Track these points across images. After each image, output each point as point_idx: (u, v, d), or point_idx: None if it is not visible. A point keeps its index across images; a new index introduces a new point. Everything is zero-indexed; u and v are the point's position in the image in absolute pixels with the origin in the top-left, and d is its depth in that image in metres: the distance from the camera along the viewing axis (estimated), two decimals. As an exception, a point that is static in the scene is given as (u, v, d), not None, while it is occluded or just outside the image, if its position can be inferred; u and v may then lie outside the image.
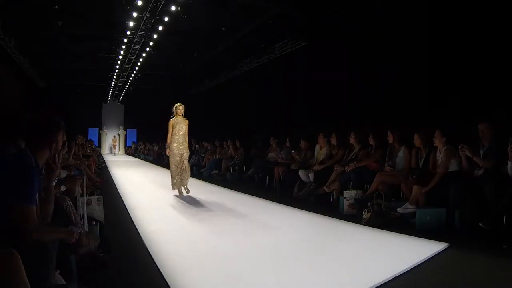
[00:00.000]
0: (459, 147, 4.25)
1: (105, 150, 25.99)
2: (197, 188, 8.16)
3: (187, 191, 6.53)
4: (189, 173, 6.76)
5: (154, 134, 21.90)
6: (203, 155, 11.93)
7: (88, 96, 22.65)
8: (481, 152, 4.22)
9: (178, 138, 6.61)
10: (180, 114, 6.70)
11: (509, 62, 5.02)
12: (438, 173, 4.49)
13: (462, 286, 2.65)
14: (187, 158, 6.81)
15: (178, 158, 6.59)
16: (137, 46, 12.54)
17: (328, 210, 5.24)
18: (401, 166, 5.16)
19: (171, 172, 6.68)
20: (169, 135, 6.67)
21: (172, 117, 6.75)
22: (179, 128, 6.66)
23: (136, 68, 15.75)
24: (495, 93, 5.29)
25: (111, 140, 27.43)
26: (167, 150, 6.72)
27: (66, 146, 5.70)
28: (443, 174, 4.47)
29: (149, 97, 23.09)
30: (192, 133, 17.92)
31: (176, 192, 6.63)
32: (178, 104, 6.78)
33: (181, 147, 6.62)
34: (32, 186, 1.85)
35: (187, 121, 6.84)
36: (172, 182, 6.64)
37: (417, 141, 4.96)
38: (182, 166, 6.59)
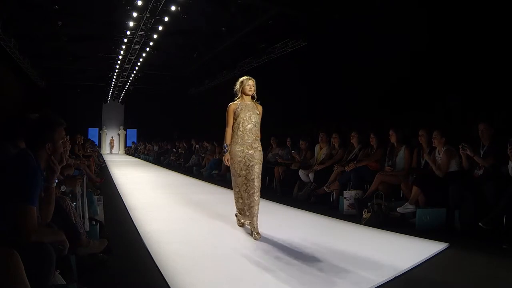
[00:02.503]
0: (460, 146, 4.24)
1: (105, 150, 26.00)
2: (197, 188, 8.18)
3: (256, 235, 3.70)
4: (258, 199, 3.83)
5: (154, 134, 21.95)
6: (203, 155, 11.93)
7: (88, 96, 22.68)
8: (481, 152, 4.22)
9: (243, 135, 3.93)
10: (249, 94, 4.00)
11: (509, 63, 5.02)
12: (440, 172, 4.49)
13: (462, 286, 2.65)
14: (259, 172, 3.90)
15: (243, 170, 3.90)
16: (137, 46, 12.54)
17: (328, 210, 5.24)
18: (401, 166, 5.16)
19: (234, 193, 4.12)
20: (227, 131, 3.99)
21: (235, 100, 4.05)
22: (245, 118, 3.94)
23: (136, 68, 15.76)
24: (495, 94, 5.30)
25: (116, 139, 27.57)
26: (226, 157, 3.99)
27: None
28: (443, 174, 4.47)
29: (149, 97, 23.10)
30: (192, 133, 17.79)
31: (239, 224, 4.17)
32: (246, 77, 4.05)
33: (248, 151, 3.91)
34: (35, 186, 1.86)
35: (260, 108, 4.07)
36: (237, 209, 4.15)
37: (422, 136, 4.88)
38: (249, 184, 3.86)
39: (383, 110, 7.31)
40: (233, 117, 3.99)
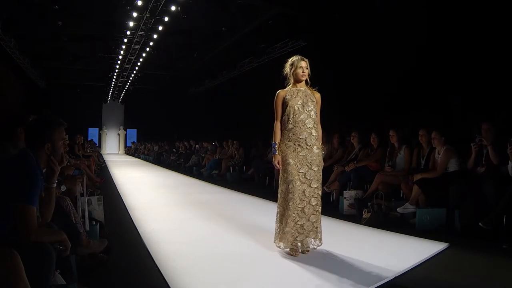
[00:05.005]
0: (472, 143, 4.22)
1: (105, 150, 26.01)
2: (197, 188, 8.18)
3: (305, 249, 3.20)
4: (318, 218, 3.22)
5: (154, 134, 21.95)
6: (203, 155, 11.94)
7: (88, 96, 22.65)
8: (484, 152, 4.22)
9: (294, 129, 3.18)
10: (302, 80, 3.27)
11: (509, 62, 5.02)
12: (436, 171, 4.51)
13: (462, 286, 2.65)
14: (319, 180, 3.22)
15: (296, 179, 3.12)
16: (137, 46, 12.53)
17: (328, 210, 5.24)
18: (401, 166, 5.17)
19: (278, 208, 3.28)
20: (276, 126, 3.30)
21: (286, 87, 3.33)
22: (296, 107, 3.20)
23: (136, 68, 15.75)
24: (495, 94, 5.30)
25: (116, 139, 27.63)
26: (275, 159, 3.24)
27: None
28: (440, 173, 4.48)
29: (149, 97, 23.10)
30: (192, 133, 17.74)
31: (280, 247, 3.23)
32: (297, 57, 3.27)
33: (300, 151, 3.16)
34: (34, 186, 1.86)
35: (317, 95, 3.33)
36: (277, 228, 3.27)
37: (424, 136, 4.88)
38: (305, 198, 3.14)
39: (383, 110, 7.30)
40: (282, 107, 3.24)
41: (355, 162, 5.63)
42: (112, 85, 20.44)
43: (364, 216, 4.47)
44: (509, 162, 3.79)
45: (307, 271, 2.82)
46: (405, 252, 3.34)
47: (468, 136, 4.56)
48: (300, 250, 3.18)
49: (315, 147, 3.20)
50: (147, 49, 12.76)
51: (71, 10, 10.05)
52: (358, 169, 5.47)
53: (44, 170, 2.05)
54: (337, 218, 4.78)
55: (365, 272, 2.78)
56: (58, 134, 2.07)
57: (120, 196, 6.50)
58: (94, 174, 7.29)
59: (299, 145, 3.17)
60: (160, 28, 10.69)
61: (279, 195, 3.27)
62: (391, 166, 5.18)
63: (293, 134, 3.18)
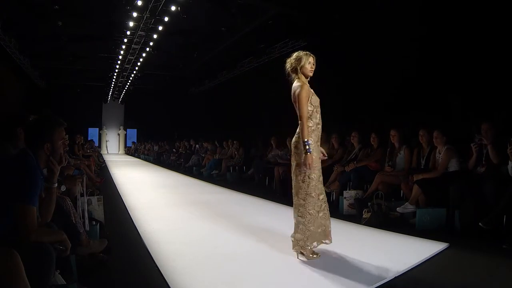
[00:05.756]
0: (472, 144, 4.22)
1: (105, 150, 26.01)
2: (197, 188, 8.18)
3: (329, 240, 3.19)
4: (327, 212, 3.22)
5: (154, 134, 21.95)
6: (203, 155, 11.94)
7: (88, 96, 22.65)
8: (484, 152, 4.22)
9: (317, 132, 3.10)
10: (309, 76, 3.14)
11: (509, 62, 5.02)
12: (437, 171, 4.51)
13: (462, 286, 2.65)
14: (321, 174, 3.14)
15: (318, 175, 3.07)
16: (137, 46, 12.53)
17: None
18: (401, 166, 5.17)
19: (302, 212, 3.12)
20: (305, 123, 2.97)
21: (298, 81, 3.08)
22: (317, 107, 3.09)
23: (136, 68, 15.75)
24: (495, 94, 5.30)
25: (116, 139, 27.69)
26: (309, 159, 2.90)
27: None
28: (441, 173, 4.48)
29: (149, 97, 23.10)
30: (192, 133, 17.68)
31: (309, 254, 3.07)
32: (304, 53, 3.11)
33: (316, 153, 3.05)
34: (34, 186, 1.86)
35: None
36: (304, 235, 3.05)
37: (424, 136, 4.88)
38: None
39: (383, 110, 7.30)
40: (308, 104, 2.94)
41: (355, 162, 5.63)
42: (112, 85, 20.44)
43: (364, 216, 4.47)
44: (509, 162, 3.79)
45: (307, 271, 2.82)
46: (405, 252, 3.34)
47: (468, 136, 4.56)
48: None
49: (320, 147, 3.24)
50: (147, 49, 12.76)
51: (71, 10, 10.06)
52: (358, 169, 5.46)
53: (44, 170, 2.05)
54: (337, 218, 4.76)
55: (365, 272, 2.78)
56: (57, 134, 2.07)
57: (120, 196, 6.50)
58: (94, 174, 7.29)
59: (317, 146, 3.11)
60: (160, 28, 10.69)
61: (309, 198, 3.10)
62: (391, 166, 5.18)
63: (315, 136, 3.07)
